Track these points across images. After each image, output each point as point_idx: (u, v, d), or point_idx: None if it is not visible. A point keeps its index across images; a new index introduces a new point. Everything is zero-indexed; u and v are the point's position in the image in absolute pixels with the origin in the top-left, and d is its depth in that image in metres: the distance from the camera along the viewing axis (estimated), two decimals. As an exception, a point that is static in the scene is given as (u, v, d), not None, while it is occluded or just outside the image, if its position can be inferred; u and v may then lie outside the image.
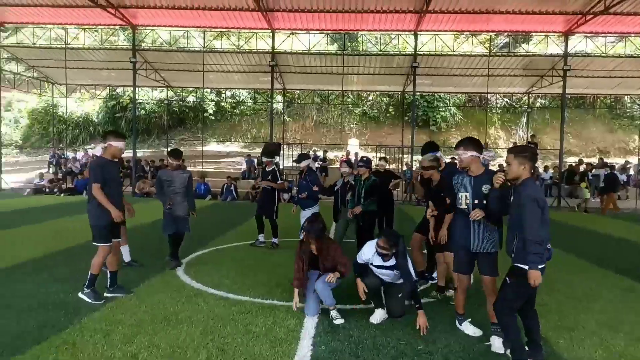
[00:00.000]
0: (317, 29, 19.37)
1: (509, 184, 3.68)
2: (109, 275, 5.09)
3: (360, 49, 25.40)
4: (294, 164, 10.53)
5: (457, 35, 21.81)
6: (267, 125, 22.69)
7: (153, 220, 10.35)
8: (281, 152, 17.20)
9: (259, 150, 18.30)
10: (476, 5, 16.04)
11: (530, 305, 3.60)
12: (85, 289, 4.84)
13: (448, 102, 29.40)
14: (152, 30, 20.25)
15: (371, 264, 4.50)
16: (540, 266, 3.29)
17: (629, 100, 29.41)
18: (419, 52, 19.08)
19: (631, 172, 21.03)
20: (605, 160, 21.44)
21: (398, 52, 20.77)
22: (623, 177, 19.52)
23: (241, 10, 17.02)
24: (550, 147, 27.05)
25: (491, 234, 3.95)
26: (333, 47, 25.68)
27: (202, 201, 16.53)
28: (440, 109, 29.08)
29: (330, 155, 24.23)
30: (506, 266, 3.66)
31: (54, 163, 22.20)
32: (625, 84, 21.91)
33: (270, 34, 19.22)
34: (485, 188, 3.88)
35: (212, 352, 3.64)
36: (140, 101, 27.66)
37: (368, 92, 28.79)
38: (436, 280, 5.53)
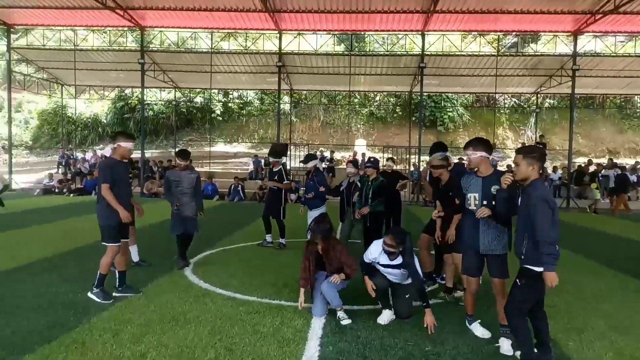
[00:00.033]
0: (324, 30, 19.39)
1: (518, 184, 3.65)
2: (117, 275, 5.13)
3: (368, 50, 25.41)
4: (301, 165, 10.55)
5: (464, 35, 21.73)
6: (274, 126, 22.73)
7: (161, 220, 10.40)
8: (288, 152, 17.25)
9: (266, 150, 18.34)
10: (484, 5, 15.96)
11: (539, 306, 3.57)
12: (95, 288, 4.88)
13: (455, 102, 29.28)
14: (160, 31, 20.39)
15: (378, 263, 4.49)
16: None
17: (639, 100, 29.12)
18: (427, 52, 19.04)
19: (641, 172, 20.78)
20: (614, 160, 21.25)
21: (405, 53, 20.72)
22: (633, 178, 19.31)
23: (248, 11, 17.08)
24: (559, 148, 26.87)
25: (500, 235, 3.89)
26: (340, 48, 25.69)
27: (210, 201, 16.59)
28: (448, 109, 28.96)
29: (337, 155, 24.22)
30: (514, 267, 3.64)
31: (63, 164, 22.40)
32: (635, 83, 21.72)
33: (278, 35, 19.26)
34: (494, 189, 3.84)
35: (220, 351, 3.66)
36: (149, 102, 27.82)
37: (375, 93, 28.76)
38: (444, 281, 5.50)
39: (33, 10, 17.93)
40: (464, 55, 20.06)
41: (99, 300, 4.79)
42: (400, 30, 19.15)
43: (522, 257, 3.46)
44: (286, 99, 26.54)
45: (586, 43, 19.12)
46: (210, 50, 20.37)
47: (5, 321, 4.20)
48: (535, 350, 3.52)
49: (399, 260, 4.34)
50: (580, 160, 22.99)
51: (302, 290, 4.66)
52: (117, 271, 5.12)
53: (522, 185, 3.57)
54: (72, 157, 23.00)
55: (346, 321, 4.34)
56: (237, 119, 30.73)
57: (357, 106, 30.52)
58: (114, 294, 4.99)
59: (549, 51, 20.22)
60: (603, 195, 17.72)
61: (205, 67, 20.85)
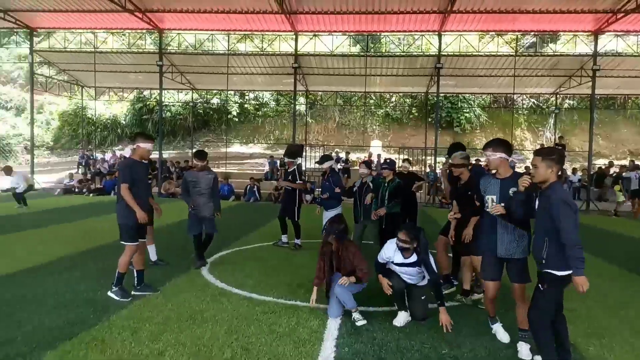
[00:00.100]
0: (340, 31, 19.39)
1: (536, 187, 3.58)
2: (135, 274, 5.21)
3: (383, 50, 25.31)
4: (317, 165, 10.56)
5: (482, 35, 21.49)
6: (290, 127, 22.81)
7: (179, 220, 10.52)
8: (304, 153, 17.28)
9: (281, 151, 18.41)
10: (502, 4, 15.76)
11: (559, 309, 3.50)
12: (114, 287, 4.96)
13: (472, 103, 28.96)
14: (178, 33, 20.61)
15: (392, 262, 4.48)
16: (568, 272, 3.21)
17: (662, 101, 28.40)
18: (443, 53, 18.89)
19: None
20: (636, 162, 20.76)
21: (421, 53, 20.57)
22: (656, 180, 18.85)
23: (265, 13, 17.17)
24: (579, 149, 26.36)
25: (520, 239, 3.77)
26: (356, 49, 25.63)
27: (226, 202, 16.72)
28: (465, 110, 28.67)
29: (353, 156, 24.17)
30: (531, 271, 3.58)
31: (83, 164, 22.83)
32: (658, 84, 21.22)
33: (294, 36, 19.32)
34: (511, 191, 3.75)
35: (237, 351, 3.69)
36: (166, 103, 28.16)
37: (391, 94, 28.65)
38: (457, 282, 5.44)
39: (55, 13, 18.33)
40: (481, 56, 19.83)
41: (117, 299, 4.86)
42: (416, 31, 19.05)
43: (543, 261, 3.38)
44: (302, 100, 26.58)
45: (607, 42, 18.75)
46: (227, 52, 20.53)
47: (27, 317, 4.30)
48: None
49: (413, 257, 4.33)
50: (601, 162, 22.54)
51: (315, 288, 4.71)
52: (135, 270, 5.20)
53: (540, 188, 3.51)
54: (91, 157, 23.44)
55: (361, 322, 4.33)
56: (253, 120, 30.91)
57: (372, 107, 30.44)
58: (132, 292, 5.06)
59: (568, 51, 19.91)
60: (625, 197, 17.35)
61: (222, 69, 21.03)
